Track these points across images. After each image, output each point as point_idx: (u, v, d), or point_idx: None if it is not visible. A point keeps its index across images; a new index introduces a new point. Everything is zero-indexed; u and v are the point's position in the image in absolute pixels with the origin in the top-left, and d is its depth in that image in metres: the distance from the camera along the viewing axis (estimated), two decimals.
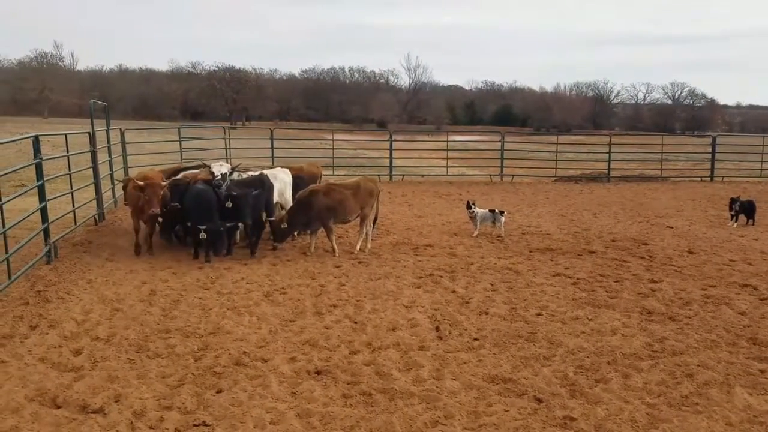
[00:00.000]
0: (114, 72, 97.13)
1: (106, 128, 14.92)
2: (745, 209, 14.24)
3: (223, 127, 24.20)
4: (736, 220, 14.16)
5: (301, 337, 6.82)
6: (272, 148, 21.75)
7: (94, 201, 13.17)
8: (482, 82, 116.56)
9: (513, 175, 23.20)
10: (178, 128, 21.39)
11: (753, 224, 14.15)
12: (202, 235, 9.73)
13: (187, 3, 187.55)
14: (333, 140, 25.67)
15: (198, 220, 9.82)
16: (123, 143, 16.31)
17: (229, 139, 21.64)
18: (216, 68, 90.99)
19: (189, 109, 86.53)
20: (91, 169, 13.09)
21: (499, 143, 23.45)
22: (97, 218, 12.93)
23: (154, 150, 20.08)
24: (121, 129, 16.65)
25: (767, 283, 9.16)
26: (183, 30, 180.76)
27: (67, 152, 12.01)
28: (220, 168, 10.68)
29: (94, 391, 5.46)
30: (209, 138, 25.53)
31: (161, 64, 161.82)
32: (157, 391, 5.52)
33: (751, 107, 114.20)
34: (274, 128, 23.94)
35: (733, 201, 14.30)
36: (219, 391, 5.53)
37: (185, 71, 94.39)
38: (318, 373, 5.93)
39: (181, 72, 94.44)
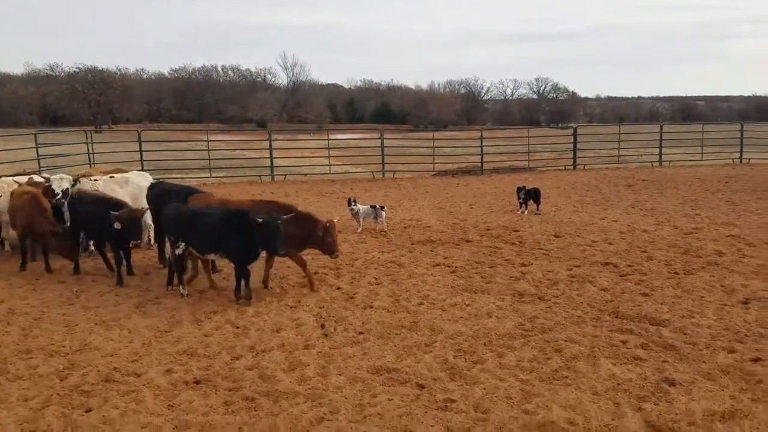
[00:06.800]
0: None
1: None
2: (531, 196, 14.98)
3: (86, 131, 22.62)
4: (526, 207, 14.89)
5: (178, 347, 6.52)
6: (140, 151, 20.65)
7: None
8: (361, 81, 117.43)
9: (394, 171, 23.62)
10: (35, 134, 19.73)
11: (538, 211, 14.78)
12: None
13: (44, 4, 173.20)
14: (208, 141, 24.83)
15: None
16: None
17: (93, 143, 20.31)
18: (77, 69, 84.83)
19: (48, 114, 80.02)
20: None
21: (379, 140, 23.80)
22: None
23: (8, 159, 18.40)
24: None
25: (626, 261, 9.94)
26: (41, 34, 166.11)
27: None
28: (60, 183, 9.38)
29: None
30: (71, 143, 23.82)
31: (16, 68, 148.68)
32: (19, 415, 5.09)
33: (609, 98, 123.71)
34: (142, 130, 22.69)
35: (519, 189, 15.03)
36: (88, 411, 5.17)
37: (43, 74, 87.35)
38: (197, 382, 5.69)
39: (38, 75, 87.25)
